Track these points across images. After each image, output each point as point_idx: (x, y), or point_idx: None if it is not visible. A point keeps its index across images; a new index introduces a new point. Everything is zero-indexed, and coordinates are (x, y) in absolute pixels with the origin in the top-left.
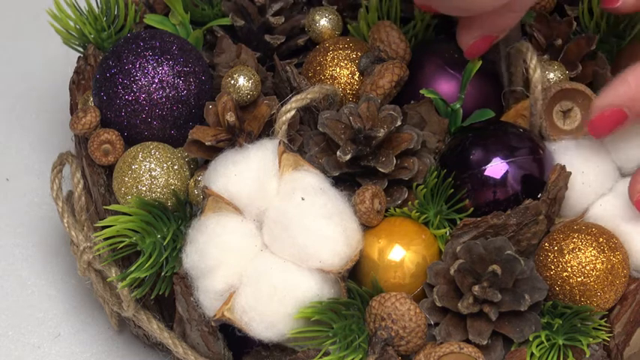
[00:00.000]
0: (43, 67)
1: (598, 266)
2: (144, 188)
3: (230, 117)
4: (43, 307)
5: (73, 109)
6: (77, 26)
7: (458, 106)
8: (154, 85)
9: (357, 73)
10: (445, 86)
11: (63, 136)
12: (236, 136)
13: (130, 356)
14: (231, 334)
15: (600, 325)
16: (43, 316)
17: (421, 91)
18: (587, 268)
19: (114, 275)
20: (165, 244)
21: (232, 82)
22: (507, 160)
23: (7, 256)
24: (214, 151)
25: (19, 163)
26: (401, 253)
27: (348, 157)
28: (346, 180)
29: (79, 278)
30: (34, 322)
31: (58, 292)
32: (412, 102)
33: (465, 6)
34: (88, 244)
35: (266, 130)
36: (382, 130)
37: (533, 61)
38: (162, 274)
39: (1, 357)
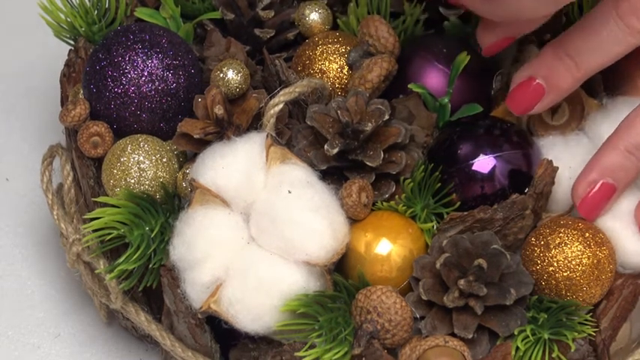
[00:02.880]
0: (41, 64)
1: (584, 261)
2: (132, 181)
3: (218, 110)
4: (43, 307)
5: (64, 101)
6: (68, 19)
7: (446, 100)
8: (144, 78)
9: (346, 67)
10: (434, 81)
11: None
12: (224, 129)
13: (129, 356)
14: (218, 327)
15: (586, 320)
16: (43, 316)
17: (409, 86)
18: (573, 263)
19: (102, 267)
20: (153, 236)
21: (221, 75)
22: (495, 155)
23: (7, 256)
24: (203, 144)
25: (19, 163)
26: (388, 247)
27: (336, 150)
28: (334, 173)
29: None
30: (34, 322)
31: (58, 292)
32: (401, 96)
33: (514, 15)
34: (77, 236)
35: (254, 124)
36: (370, 124)
37: None
38: (150, 266)
39: (1, 357)
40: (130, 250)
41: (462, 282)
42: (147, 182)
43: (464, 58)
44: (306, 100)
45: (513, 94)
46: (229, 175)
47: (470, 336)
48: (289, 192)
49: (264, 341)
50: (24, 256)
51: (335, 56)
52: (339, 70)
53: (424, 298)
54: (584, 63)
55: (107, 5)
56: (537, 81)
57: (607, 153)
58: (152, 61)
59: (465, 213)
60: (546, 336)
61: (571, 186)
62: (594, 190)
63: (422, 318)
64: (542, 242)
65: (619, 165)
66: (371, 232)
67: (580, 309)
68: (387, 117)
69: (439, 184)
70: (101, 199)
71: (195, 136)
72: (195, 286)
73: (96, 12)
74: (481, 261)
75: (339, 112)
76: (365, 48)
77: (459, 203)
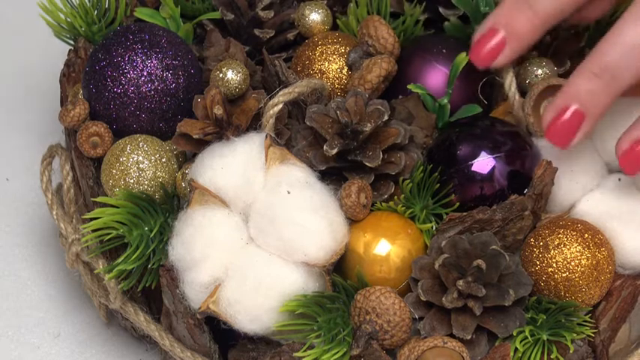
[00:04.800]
0: (41, 64)
1: (583, 262)
2: (132, 181)
3: (218, 110)
4: (43, 307)
5: (63, 101)
6: (68, 19)
7: (445, 101)
8: (143, 78)
9: (346, 68)
10: (433, 81)
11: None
12: (224, 130)
13: (129, 356)
14: (217, 327)
15: (585, 321)
16: (43, 316)
17: (408, 87)
18: (572, 263)
19: (101, 267)
20: (152, 236)
21: (221, 75)
22: (494, 156)
23: (7, 256)
24: (202, 144)
25: (19, 163)
26: (386, 248)
27: (335, 151)
28: (333, 174)
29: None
30: (34, 322)
31: (58, 292)
32: (400, 97)
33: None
34: (77, 235)
35: (254, 124)
36: (369, 125)
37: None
38: (149, 266)
39: (1, 357)
40: (129, 250)
41: (460, 283)
42: (146, 182)
43: (463, 59)
44: (305, 101)
45: (477, 47)
46: (228, 175)
47: (468, 337)
48: (288, 192)
49: (262, 342)
50: (24, 256)
51: (334, 57)
52: (338, 70)
53: (423, 298)
54: (540, 8)
55: (107, 5)
56: (499, 31)
57: (573, 79)
58: (151, 61)
59: (464, 214)
60: (545, 337)
61: (571, 187)
62: (561, 115)
63: (421, 319)
64: (542, 243)
65: (585, 89)
66: (370, 232)
67: (579, 310)
68: (386, 117)
69: (438, 185)
70: (100, 199)
71: (194, 137)
72: (194, 287)
73: (96, 12)
74: (480, 262)
75: (338, 112)
76: (364, 48)
77: (458, 204)
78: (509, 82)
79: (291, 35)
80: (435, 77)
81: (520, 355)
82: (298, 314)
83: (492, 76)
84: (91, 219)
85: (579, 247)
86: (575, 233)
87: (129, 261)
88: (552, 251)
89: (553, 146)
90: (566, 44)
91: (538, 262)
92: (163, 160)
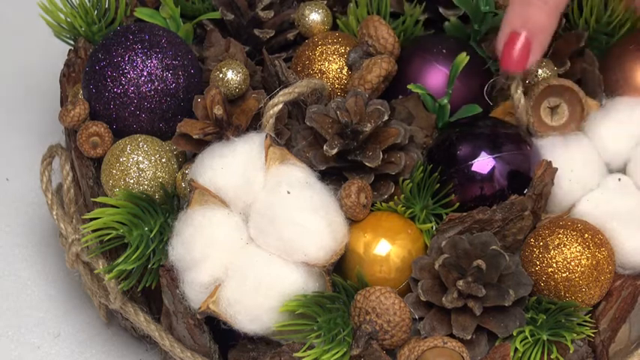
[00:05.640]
0: (41, 64)
1: (583, 262)
2: (132, 181)
3: (218, 110)
4: (43, 307)
5: (63, 101)
6: (68, 19)
7: (445, 101)
8: (143, 78)
9: (346, 68)
10: (433, 81)
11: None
12: (224, 130)
13: (129, 356)
14: (217, 327)
15: (585, 321)
16: (43, 316)
17: (408, 87)
18: (572, 264)
19: (101, 267)
20: (152, 236)
21: (221, 75)
22: (494, 156)
23: (7, 256)
24: (202, 144)
25: (19, 163)
26: (387, 248)
27: (335, 151)
28: (333, 174)
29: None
30: (34, 322)
31: (58, 292)
32: (400, 97)
33: None
34: (77, 236)
35: (254, 124)
36: (369, 125)
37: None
38: (149, 266)
39: (1, 357)
40: (129, 251)
41: (460, 283)
42: (146, 182)
43: (463, 59)
44: (305, 101)
45: (506, 54)
46: (228, 175)
47: (468, 337)
48: (288, 192)
49: (262, 342)
50: (24, 256)
51: (334, 57)
52: (338, 70)
53: (423, 298)
54: None
55: (107, 5)
56: (520, 33)
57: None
58: (151, 62)
59: (464, 214)
60: (545, 337)
61: (571, 187)
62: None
63: (421, 319)
64: (542, 243)
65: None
66: (370, 232)
67: (579, 310)
68: (386, 117)
69: (438, 185)
70: (100, 199)
71: (194, 137)
72: (194, 287)
73: (96, 12)
74: (480, 262)
75: (338, 112)
76: (364, 48)
77: (458, 204)
78: (516, 85)
79: (291, 35)
80: (435, 77)
81: (520, 355)
82: (298, 314)
83: (498, 77)
84: (91, 219)
85: (579, 247)
86: (575, 233)
87: (129, 261)
88: (552, 251)
89: (553, 145)
90: (566, 44)
91: (538, 262)
92: (163, 160)
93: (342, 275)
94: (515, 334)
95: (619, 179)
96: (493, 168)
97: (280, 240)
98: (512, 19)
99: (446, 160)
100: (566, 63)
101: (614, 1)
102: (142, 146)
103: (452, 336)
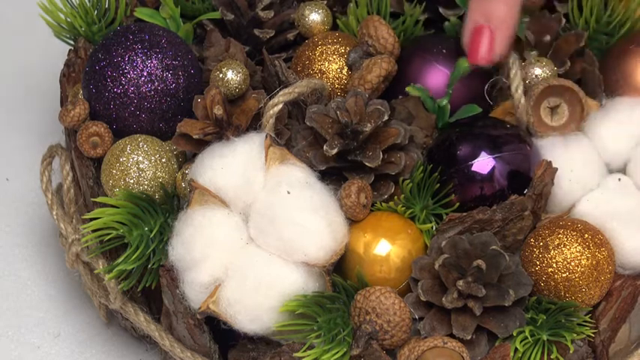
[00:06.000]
0: (41, 64)
1: (583, 262)
2: (132, 181)
3: (218, 110)
4: (43, 307)
5: (63, 101)
6: (68, 19)
7: (445, 102)
8: (143, 79)
9: (346, 68)
10: (433, 81)
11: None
12: (224, 130)
13: (129, 356)
14: (217, 327)
15: (585, 321)
16: (43, 316)
17: (407, 89)
18: (572, 264)
19: (101, 267)
20: (152, 236)
21: (221, 75)
22: (494, 156)
23: (7, 256)
24: (202, 144)
25: (19, 163)
26: (387, 248)
27: (335, 151)
28: (333, 174)
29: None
30: (34, 322)
31: (58, 292)
32: (400, 97)
33: None
34: (77, 236)
35: (254, 124)
36: (369, 125)
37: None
38: (149, 266)
39: (1, 357)
40: (129, 251)
41: (460, 283)
42: (146, 182)
43: (466, 67)
44: (305, 101)
45: (472, 48)
46: (228, 175)
47: (468, 337)
48: (288, 192)
49: (262, 342)
50: (24, 256)
51: (334, 57)
52: (338, 70)
53: (423, 298)
54: None
55: (107, 5)
56: (483, 26)
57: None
58: (151, 62)
59: (464, 214)
60: (545, 337)
61: (571, 187)
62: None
63: (421, 319)
64: (542, 243)
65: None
66: (370, 232)
67: (579, 310)
68: (386, 117)
69: (438, 185)
70: (100, 199)
71: (194, 137)
72: (194, 287)
73: (96, 12)
74: (480, 262)
75: (338, 112)
76: (364, 48)
77: (458, 204)
78: (517, 85)
79: (291, 35)
80: (435, 77)
81: (520, 355)
82: (298, 314)
83: (499, 77)
84: (91, 219)
85: (579, 248)
86: (575, 233)
87: (129, 261)
88: (552, 251)
89: (553, 145)
90: (566, 44)
91: (538, 263)
92: (163, 160)
93: (342, 275)
94: (515, 334)
95: (619, 179)
96: (493, 168)
97: (280, 240)
98: (475, 13)
99: (446, 160)
100: (566, 63)
101: (614, 1)
102: (142, 146)
103: (452, 336)
